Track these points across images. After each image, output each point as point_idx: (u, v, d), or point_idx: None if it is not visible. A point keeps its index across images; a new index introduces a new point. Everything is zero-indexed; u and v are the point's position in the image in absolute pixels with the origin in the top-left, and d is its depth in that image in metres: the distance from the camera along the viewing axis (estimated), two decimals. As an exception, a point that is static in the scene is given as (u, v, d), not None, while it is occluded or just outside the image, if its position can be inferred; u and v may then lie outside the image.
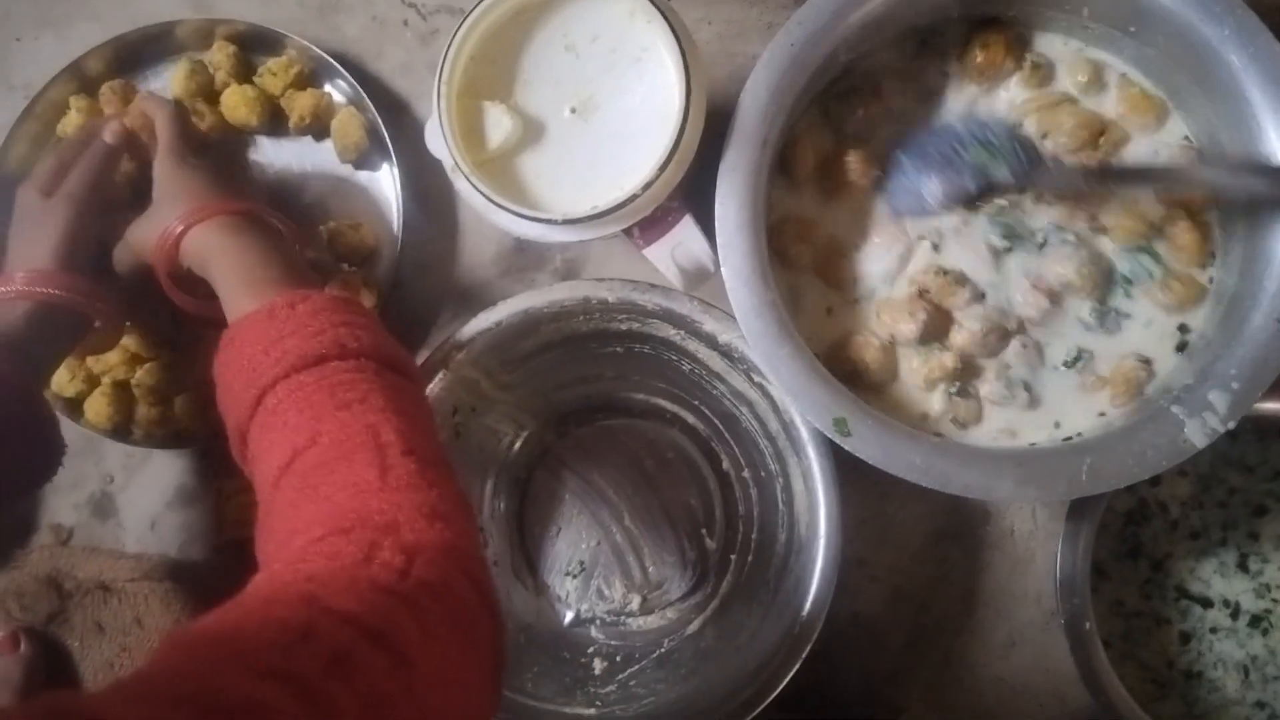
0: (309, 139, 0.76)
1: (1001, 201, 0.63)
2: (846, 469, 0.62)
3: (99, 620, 0.71)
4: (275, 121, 0.75)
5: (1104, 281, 0.63)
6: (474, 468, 0.74)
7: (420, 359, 0.66)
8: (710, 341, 0.66)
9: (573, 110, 0.60)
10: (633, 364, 0.73)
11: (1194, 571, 0.71)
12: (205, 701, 0.34)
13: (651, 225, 0.62)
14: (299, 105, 0.73)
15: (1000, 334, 0.62)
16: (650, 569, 0.74)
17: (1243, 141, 0.59)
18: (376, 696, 0.38)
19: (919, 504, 0.72)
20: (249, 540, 0.51)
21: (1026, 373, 0.63)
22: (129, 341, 0.71)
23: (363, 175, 0.76)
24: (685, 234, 0.62)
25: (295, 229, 0.66)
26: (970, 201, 0.62)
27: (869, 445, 0.58)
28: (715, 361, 0.68)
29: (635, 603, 0.74)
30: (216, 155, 0.68)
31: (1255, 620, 0.70)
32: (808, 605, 0.63)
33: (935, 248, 0.64)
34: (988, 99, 0.65)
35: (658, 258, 0.63)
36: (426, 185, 0.75)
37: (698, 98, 0.57)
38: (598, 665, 0.72)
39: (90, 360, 0.71)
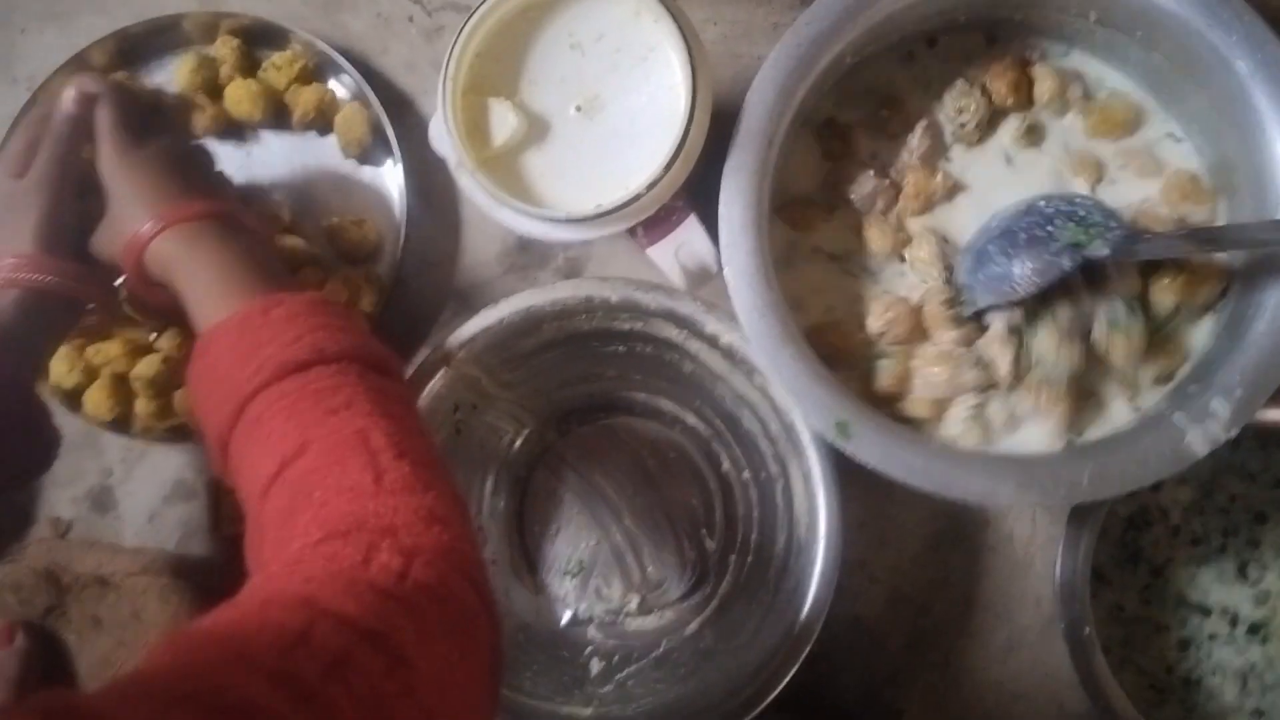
0: (313, 134, 0.76)
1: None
2: (847, 469, 0.62)
3: (96, 614, 0.71)
4: (279, 116, 0.75)
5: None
6: (474, 465, 0.74)
7: (421, 356, 0.66)
8: (712, 342, 0.66)
9: (578, 109, 0.60)
10: (634, 363, 0.73)
11: (1194, 578, 0.71)
12: (205, 702, 0.34)
13: (655, 225, 0.62)
14: (303, 100, 0.73)
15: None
16: (649, 569, 0.74)
17: (1248, 149, 0.59)
18: (375, 699, 0.38)
19: (919, 506, 0.72)
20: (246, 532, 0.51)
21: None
22: (128, 330, 0.71)
23: (366, 171, 0.75)
24: (689, 234, 0.62)
25: (262, 221, 0.63)
26: (1064, 281, 0.59)
27: (870, 449, 0.58)
28: (717, 362, 0.68)
29: (634, 603, 0.74)
30: (165, 140, 0.62)
31: (1254, 628, 0.70)
32: (807, 607, 0.62)
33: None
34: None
35: (661, 257, 0.63)
36: (430, 182, 0.75)
37: (704, 96, 0.57)
38: (595, 665, 0.72)
39: (90, 352, 0.71)
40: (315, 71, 0.75)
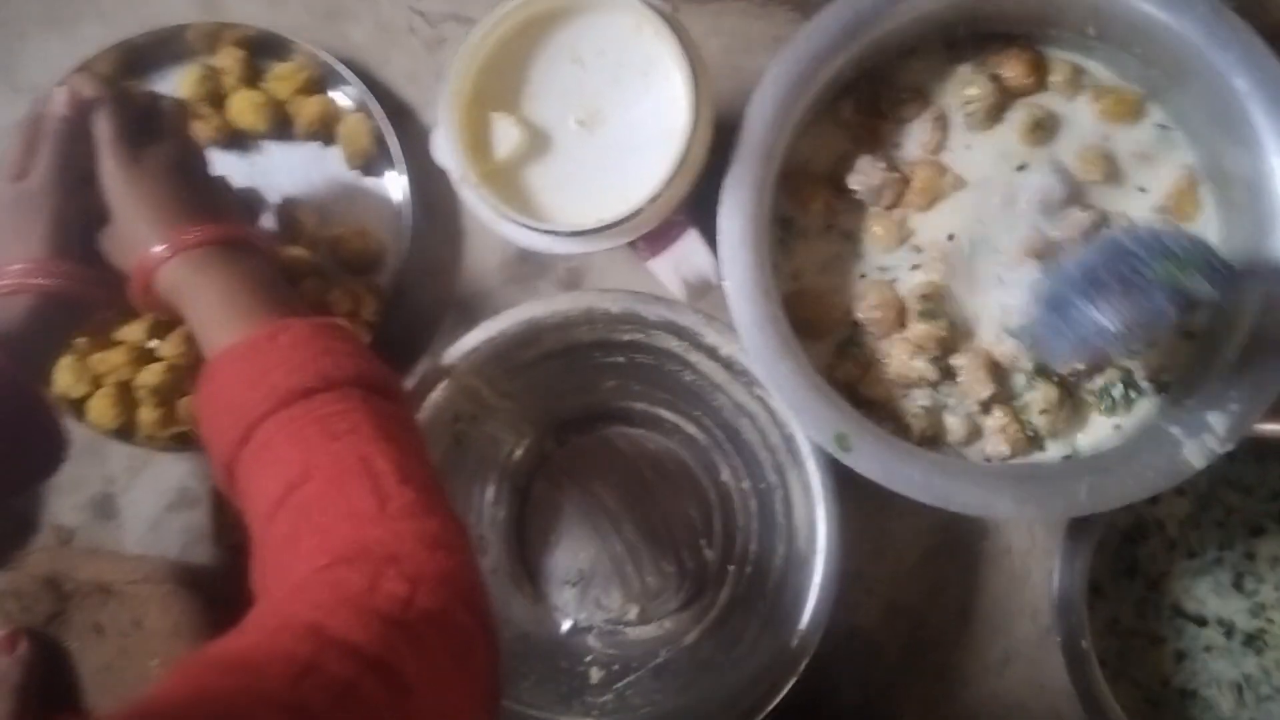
0: (316, 145, 0.76)
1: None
2: (845, 480, 0.62)
3: (98, 622, 0.71)
4: (282, 127, 0.75)
5: None
6: (475, 475, 0.74)
7: (422, 366, 0.67)
8: (712, 354, 0.66)
9: (579, 122, 0.60)
10: (634, 374, 0.73)
11: (1190, 590, 0.71)
12: None
13: (656, 238, 0.62)
14: (306, 111, 0.74)
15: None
16: (649, 579, 0.74)
17: (1246, 165, 0.60)
18: None
19: (917, 518, 0.73)
20: (249, 544, 0.52)
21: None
22: (135, 334, 0.71)
23: (369, 182, 0.76)
24: (690, 247, 0.62)
25: (270, 238, 0.63)
26: (1169, 327, 0.53)
27: (869, 461, 0.59)
28: (717, 373, 0.68)
29: (633, 612, 0.74)
30: (164, 147, 0.61)
31: (1250, 640, 0.70)
32: (806, 619, 0.63)
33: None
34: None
35: (661, 270, 0.63)
36: (432, 192, 0.75)
37: (705, 111, 0.58)
38: (595, 674, 0.72)
39: (94, 361, 0.71)
40: (318, 82, 0.75)
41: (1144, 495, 0.57)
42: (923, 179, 0.64)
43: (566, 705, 0.69)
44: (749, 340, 0.60)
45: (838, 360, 0.65)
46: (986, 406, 0.63)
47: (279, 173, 0.76)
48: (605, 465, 0.76)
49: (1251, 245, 0.60)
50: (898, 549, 0.73)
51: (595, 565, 0.75)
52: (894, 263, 0.65)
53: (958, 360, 0.63)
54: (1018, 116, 0.65)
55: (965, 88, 0.64)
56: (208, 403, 0.55)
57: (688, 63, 0.57)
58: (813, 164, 0.67)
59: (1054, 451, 0.63)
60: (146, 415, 0.72)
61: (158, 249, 0.57)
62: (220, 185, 0.66)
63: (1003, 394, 0.63)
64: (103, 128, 0.60)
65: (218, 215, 0.60)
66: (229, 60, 0.74)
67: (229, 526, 0.74)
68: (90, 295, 0.60)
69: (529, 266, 0.76)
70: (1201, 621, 0.71)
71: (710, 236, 0.61)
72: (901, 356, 0.63)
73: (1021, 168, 0.64)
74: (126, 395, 0.72)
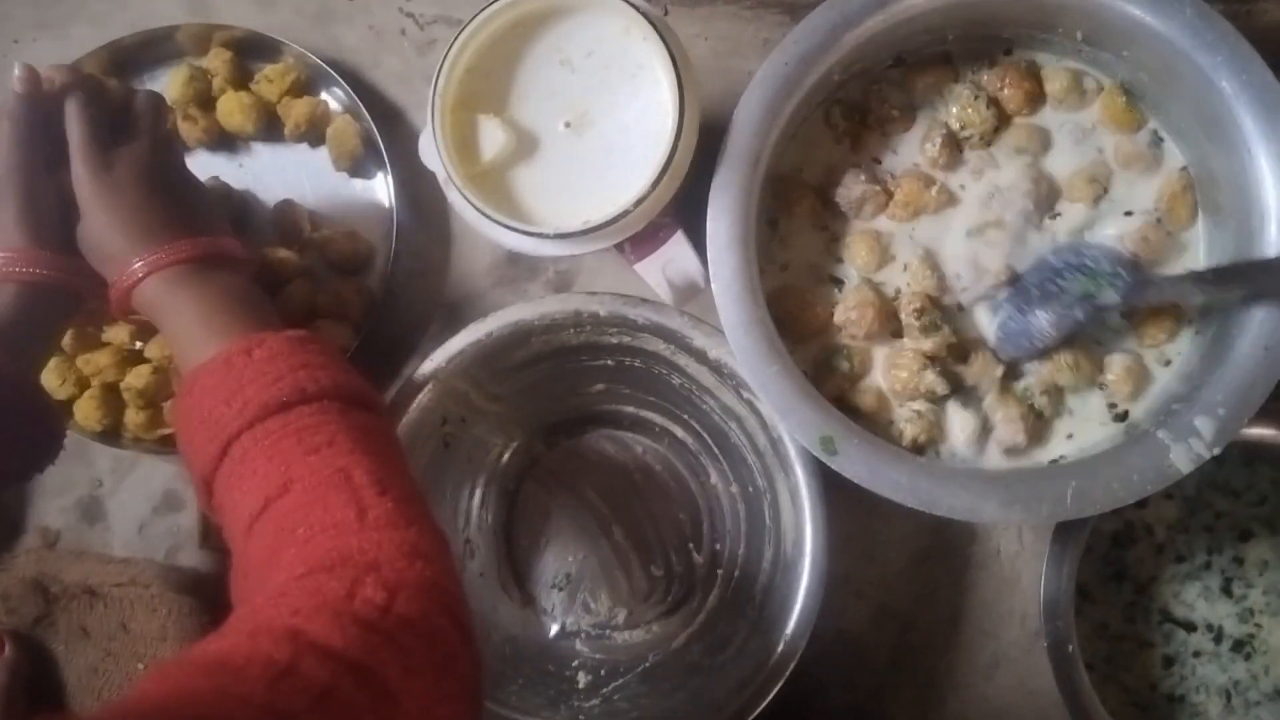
0: (304, 146, 0.76)
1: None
2: (832, 484, 0.62)
3: (84, 624, 0.71)
4: (271, 128, 0.75)
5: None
6: (463, 478, 0.74)
7: (410, 369, 0.66)
8: (700, 357, 0.66)
9: (567, 125, 0.60)
10: (623, 377, 0.73)
11: (1178, 595, 0.71)
12: None
13: (643, 241, 0.62)
14: (295, 112, 0.74)
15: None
16: (637, 582, 0.74)
17: (1233, 168, 0.60)
18: None
19: (905, 521, 0.72)
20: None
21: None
22: (121, 336, 0.71)
23: (357, 183, 0.76)
24: (677, 250, 0.62)
25: (247, 248, 0.62)
26: (1082, 331, 0.62)
27: (855, 464, 0.59)
28: (705, 376, 0.68)
29: (621, 616, 0.74)
30: (136, 148, 0.59)
31: (1238, 645, 0.70)
32: (793, 623, 0.63)
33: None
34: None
35: (649, 273, 0.63)
36: (420, 194, 0.75)
37: (691, 115, 0.58)
38: (582, 678, 0.72)
39: (80, 362, 0.71)
40: (307, 84, 0.75)
41: (1130, 500, 0.57)
42: (906, 192, 0.64)
43: (554, 709, 0.69)
44: (736, 342, 0.60)
45: (824, 372, 0.65)
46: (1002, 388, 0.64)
47: (268, 174, 0.76)
48: (593, 469, 0.76)
49: (1239, 247, 0.61)
50: (887, 552, 0.73)
51: (583, 568, 0.75)
52: (875, 274, 0.65)
53: (963, 368, 0.64)
54: (1012, 135, 0.65)
55: (961, 108, 0.64)
56: (185, 419, 0.54)
57: (674, 67, 0.57)
58: (801, 170, 0.67)
59: (1059, 433, 0.64)
60: (133, 417, 0.72)
61: (133, 266, 0.57)
62: (195, 188, 0.64)
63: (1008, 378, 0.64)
64: (74, 129, 0.58)
65: (193, 226, 0.59)
66: (218, 62, 0.74)
67: (215, 529, 0.74)
68: (75, 285, 0.59)
69: (517, 269, 0.75)
70: (1190, 626, 0.71)
71: (698, 239, 0.61)
72: (911, 368, 0.63)
73: (1009, 184, 0.64)
74: (113, 397, 0.72)
